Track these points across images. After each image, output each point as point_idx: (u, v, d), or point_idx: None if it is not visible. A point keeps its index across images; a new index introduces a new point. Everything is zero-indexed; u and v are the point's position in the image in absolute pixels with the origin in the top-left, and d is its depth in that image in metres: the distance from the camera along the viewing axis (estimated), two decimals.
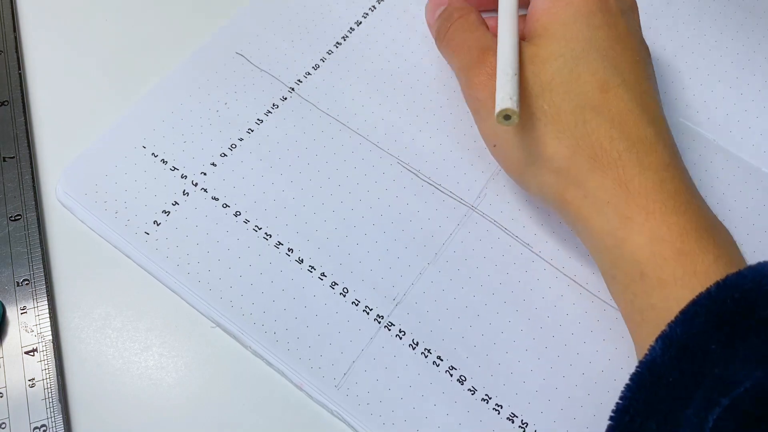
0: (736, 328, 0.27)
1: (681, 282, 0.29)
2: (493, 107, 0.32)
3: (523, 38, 0.36)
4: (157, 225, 0.38)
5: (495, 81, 0.33)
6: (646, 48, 0.37)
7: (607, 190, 0.31)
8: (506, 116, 0.31)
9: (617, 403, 0.28)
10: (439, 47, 0.41)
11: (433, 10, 0.41)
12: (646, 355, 0.28)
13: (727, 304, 0.27)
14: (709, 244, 0.30)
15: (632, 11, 0.37)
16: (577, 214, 0.32)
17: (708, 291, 0.28)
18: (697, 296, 0.28)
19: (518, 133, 0.34)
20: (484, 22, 0.38)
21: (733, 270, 0.29)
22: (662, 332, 0.28)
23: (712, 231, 0.31)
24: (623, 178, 0.31)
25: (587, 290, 0.38)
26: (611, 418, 0.28)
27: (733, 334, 0.27)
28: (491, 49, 0.35)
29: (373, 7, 0.47)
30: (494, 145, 0.36)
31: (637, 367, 0.28)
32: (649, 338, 0.29)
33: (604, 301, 0.37)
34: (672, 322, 0.28)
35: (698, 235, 0.30)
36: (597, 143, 0.31)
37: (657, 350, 0.28)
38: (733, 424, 0.25)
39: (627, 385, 0.28)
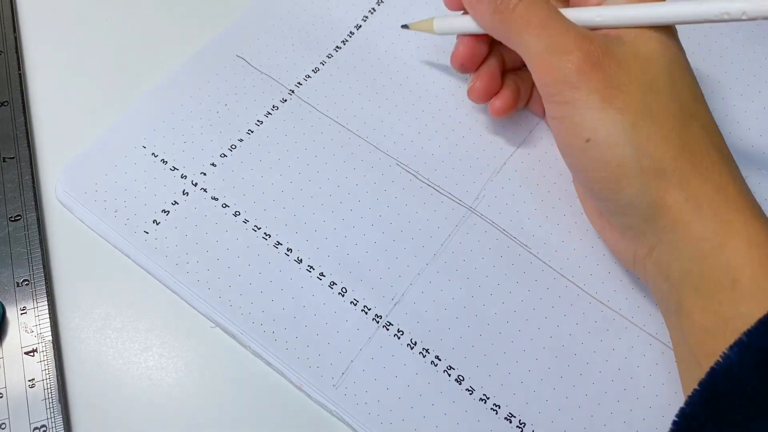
0: None
1: None
2: (602, 99, 0.31)
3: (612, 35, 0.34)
4: (157, 224, 0.39)
5: (600, 71, 0.32)
6: None
7: (707, 193, 0.30)
8: None
9: (682, 409, 0.28)
10: (499, 21, 0.36)
11: None
12: (718, 362, 0.27)
13: None
14: None
15: None
16: (675, 218, 0.31)
17: None
18: None
19: (624, 129, 0.31)
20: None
21: None
22: (738, 340, 0.27)
23: None
24: (720, 183, 0.30)
25: (585, 291, 0.38)
26: (675, 423, 0.28)
27: None
28: (582, 34, 0.33)
29: (373, 9, 0.47)
30: (588, 140, 0.32)
31: (708, 373, 0.27)
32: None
33: (602, 303, 0.38)
34: (750, 329, 0.27)
35: None
36: (698, 148, 0.31)
37: (733, 358, 0.27)
38: None
39: (696, 390, 0.27)
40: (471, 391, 0.35)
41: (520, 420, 0.35)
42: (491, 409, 0.35)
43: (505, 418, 0.35)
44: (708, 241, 0.30)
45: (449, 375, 0.36)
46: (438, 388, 0.35)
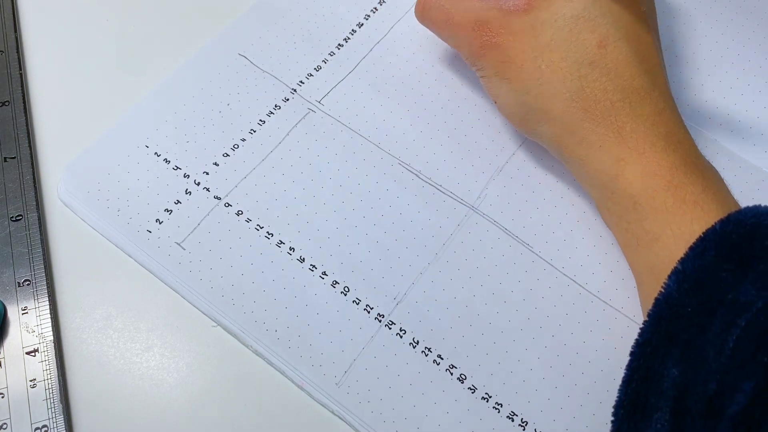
0: (744, 257, 0.29)
1: (672, 209, 0.32)
2: (497, 72, 0.37)
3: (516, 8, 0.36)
4: (160, 223, 0.39)
5: (495, 48, 0.37)
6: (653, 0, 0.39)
7: (600, 135, 0.34)
8: None
9: (637, 340, 0.30)
10: (426, 25, 0.42)
11: None
12: (661, 292, 0.30)
13: (732, 238, 0.30)
14: (698, 177, 0.33)
15: None
16: (572, 156, 0.36)
17: (713, 228, 0.30)
18: (704, 233, 0.30)
19: (518, 93, 0.36)
20: None
21: (721, 200, 0.32)
22: (674, 269, 0.30)
23: (701, 167, 0.34)
24: (616, 124, 0.34)
25: (586, 290, 0.38)
26: (632, 354, 0.30)
27: (741, 262, 0.29)
28: (479, 20, 0.37)
29: (375, 9, 0.47)
30: (495, 102, 0.39)
31: (653, 304, 0.30)
32: (646, 261, 0.33)
33: (604, 301, 0.38)
34: (683, 258, 0.30)
35: (687, 170, 0.33)
36: (591, 95, 0.34)
37: (672, 285, 0.30)
38: (753, 342, 0.27)
39: (646, 321, 0.30)
40: (473, 389, 0.35)
41: (522, 419, 0.35)
42: (493, 407, 0.35)
43: (507, 416, 0.35)
44: (605, 174, 0.34)
45: (451, 374, 0.36)
46: (440, 387, 0.35)
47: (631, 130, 0.34)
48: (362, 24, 0.46)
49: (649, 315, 0.30)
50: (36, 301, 0.36)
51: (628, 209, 0.34)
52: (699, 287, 0.29)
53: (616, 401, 0.30)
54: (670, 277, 0.30)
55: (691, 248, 0.30)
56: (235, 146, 0.41)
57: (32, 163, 0.40)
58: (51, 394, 0.34)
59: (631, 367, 0.30)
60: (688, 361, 0.29)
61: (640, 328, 0.30)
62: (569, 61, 0.35)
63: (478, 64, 0.38)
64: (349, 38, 0.46)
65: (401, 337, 0.36)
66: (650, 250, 0.33)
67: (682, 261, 0.30)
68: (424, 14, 0.41)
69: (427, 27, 0.41)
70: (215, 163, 0.41)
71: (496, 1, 0.37)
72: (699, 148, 0.42)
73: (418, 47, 0.45)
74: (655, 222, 0.33)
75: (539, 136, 0.38)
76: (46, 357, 0.35)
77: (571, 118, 0.35)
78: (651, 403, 0.29)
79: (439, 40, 0.44)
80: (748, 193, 0.41)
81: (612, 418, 0.30)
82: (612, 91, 0.34)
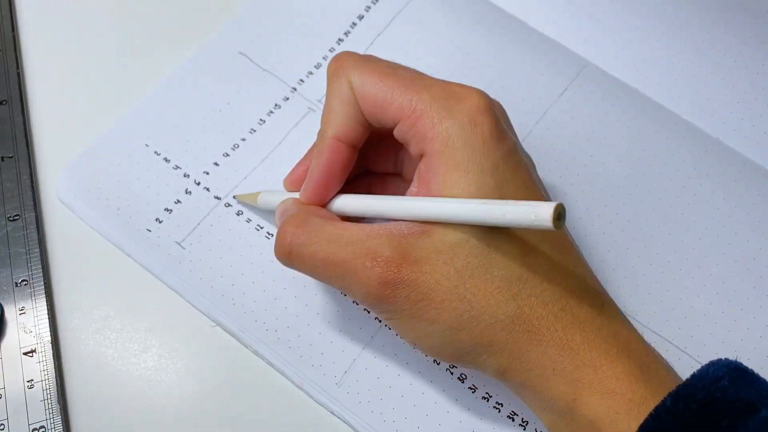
0: None
1: None
2: (411, 316, 0.30)
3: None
4: (159, 222, 0.38)
5: (401, 287, 0.29)
6: (529, 158, 0.34)
7: (552, 357, 0.29)
8: (559, 215, 0.25)
9: None
10: (296, 266, 0.33)
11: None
12: None
13: (685, 416, 0.26)
14: (656, 384, 0.28)
15: (509, 126, 0.34)
16: (522, 384, 0.30)
17: (664, 403, 0.27)
18: (654, 412, 0.27)
19: (446, 333, 0.30)
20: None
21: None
22: None
23: (654, 366, 0.30)
24: (564, 339, 0.29)
25: None
26: None
27: None
28: (370, 250, 0.30)
29: (375, 1, 0.46)
30: (414, 345, 0.33)
31: None
32: None
33: None
34: None
35: (645, 377, 0.28)
36: (532, 314, 0.29)
37: None
38: None
39: None
40: (474, 389, 0.35)
41: (522, 418, 0.35)
42: (494, 407, 0.35)
43: (508, 416, 0.35)
44: (562, 400, 0.29)
45: (452, 373, 0.35)
46: (441, 387, 0.35)
47: (582, 341, 0.29)
48: (363, 16, 0.46)
49: None
50: (33, 301, 0.36)
51: None
52: None
53: None
54: None
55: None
56: (236, 146, 0.41)
57: (30, 163, 0.40)
58: (48, 395, 0.34)
59: None
60: None
61: None
62: (496, 282, 0.29)
63: (381, 308, 0.31)
64: (349, 32, 0.45)
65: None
66: None
67: None
68: (292, 258, 0.32)
69: (302, 272, 0.33)
70: (215, 163, 0.40)
71: (382, 227, 0.31)
72: (702, 149, 0.42)
73: (418, 41, 0.45)
74: None
75: (480, 368, 0.31)
76: (44, 357, 0.35)
77: (516, 345, 0.29)
78: None
79: (443, 30, 0.42)
80: (753, 191, 0.41)
81: None
82: (551, 302, 0.29)
